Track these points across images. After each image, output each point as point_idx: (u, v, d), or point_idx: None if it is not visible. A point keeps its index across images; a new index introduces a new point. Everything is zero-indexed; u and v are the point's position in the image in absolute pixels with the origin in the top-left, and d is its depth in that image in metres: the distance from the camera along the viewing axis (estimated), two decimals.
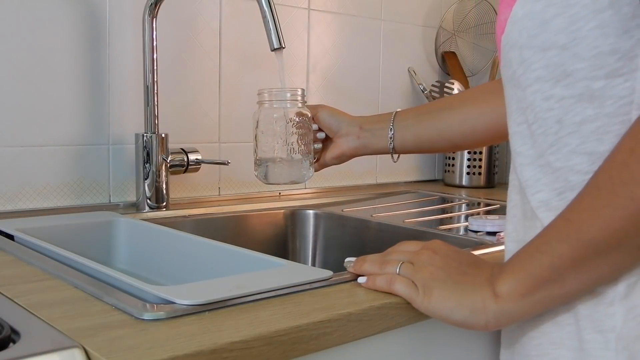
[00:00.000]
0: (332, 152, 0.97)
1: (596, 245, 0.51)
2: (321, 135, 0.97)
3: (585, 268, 0.52)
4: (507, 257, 0.64)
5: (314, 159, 0.96)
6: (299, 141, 0.91)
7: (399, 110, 0.96)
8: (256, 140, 0.92)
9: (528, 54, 0.57)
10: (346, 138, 0.96)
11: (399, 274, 0.63)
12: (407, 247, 0.67)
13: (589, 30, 0.53)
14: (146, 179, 1.07)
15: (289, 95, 0.91)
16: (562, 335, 0.57)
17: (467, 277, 0.60)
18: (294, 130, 0.90)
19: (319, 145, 0.98)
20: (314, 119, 0.95)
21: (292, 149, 0.90)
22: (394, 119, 0.94)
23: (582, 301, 0.56)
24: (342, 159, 0.98)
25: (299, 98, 0.92)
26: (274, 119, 0.90)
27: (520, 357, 0.62)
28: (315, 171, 0.95)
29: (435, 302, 0.59)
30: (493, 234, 0.97)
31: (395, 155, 0.96)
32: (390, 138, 0.94)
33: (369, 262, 0.67)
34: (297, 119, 0.90)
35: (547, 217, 0.57)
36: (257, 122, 0.91)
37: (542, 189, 0.58)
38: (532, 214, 0.60)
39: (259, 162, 0.92)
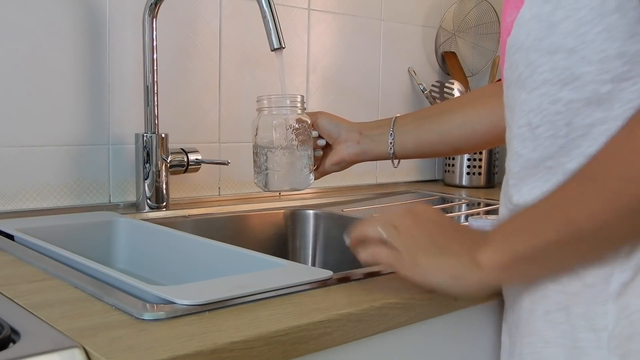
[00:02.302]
0: (332, 159, 0.97)
1: (581, 233, 0.52)
2: (321, 142, 0.97)
3: (569, 252, 0.54)
4: None
5: (314, 165, 0.96)
6: (299, 148, 0.91)
7: (398, 115, 0.97)
8: (256, 147, 0.92)
9: (535, 56, 0.57)
10: (346, 144, 0.96)
11: (384, 245, 0.62)
12: (393, 213, 0.66)
13: (595, 34, 0.53)
14: (146, 179, 1.07)
15: (288, 101, 0.91)
16: (555, 333, 0.58)
17: (450, 243, 0.60)
18: (294, 137, 0.90)
19: (319, 152, 0.98)
20: (313, 126, 0.95)
21: (292, 157, 0.90)
22: (393, 124, 0.95)
23: (576, 301, 0.56)
24: (342, 165, 0.98)
25: (299, 104, 0.91)
26: (274, 126, 0.90)
27: (514, 356, 0.63)
28: (315, 179, 0.95)
29: (419, 268, 0.60)
30: None
31: (396, 161, 0.96)
32: (391, 143, 0.94)
33: (361, 226, 0.65)
34: (296, 126, 0.90)
35: None
36: (257, 129, 0.91)
37: (551, 188, 0.58)
38: None
39: (259, 170, 0.92)
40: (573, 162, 0.56)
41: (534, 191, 0.59)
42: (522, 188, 0.61)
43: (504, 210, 0.66)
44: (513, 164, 0.62)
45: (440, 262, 0.59)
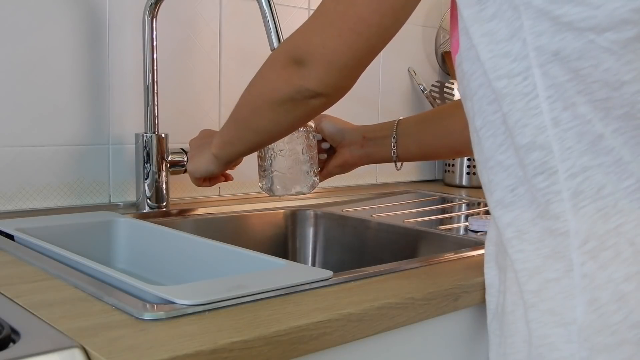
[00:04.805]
0: (335, 161, 0.99)
1: (245, 123, 0.79)
2: (325, 145, 0.99)
3: (244, 137, 0.81)
4: (486, 259, 0.68)
5: (319, 169, 0.97)
6: (304, 152, 0.92)
7: (401, 118, 0.98)
8: (261, 152, 0.93)
9: (467, 65, 0.60)
10: (350, 147, 0.98)
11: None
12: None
13: (479, 37, 0.57)
14: (146, 179, 1.07)
15: None
16: (529, 332, 0.59)
17: (204, 147, 0.91)
18: (299, 141, 0.92)
19: (323, 156, 0.99)
20: (317, 130, 0.96)
21: (297, 160, 0.92)
22: (396, 127, 0.96)
23: (541, 297, 0.58)
24: (345, 167, 1.00)
25: None
26: None
27: (500, 355, 0.64)
28: (319, 181, 0.96)
29: (194, 166, 0.92)
30: None
31: (399, 164, 0.97)
32: (394, 147, 0.95)
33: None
34: (301, 130, 0.92)
35: (502, 216, 0.61)
36: None
37: (495, 189, 0.61)
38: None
39: (264, 175, 0.93)
40: (510, 158, 0.59)
41: (486, 193, 0.63)
42: (488, 194, 0.64)
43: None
44: (478, 170, 0.66)
45: (200, 158, 0.91)
